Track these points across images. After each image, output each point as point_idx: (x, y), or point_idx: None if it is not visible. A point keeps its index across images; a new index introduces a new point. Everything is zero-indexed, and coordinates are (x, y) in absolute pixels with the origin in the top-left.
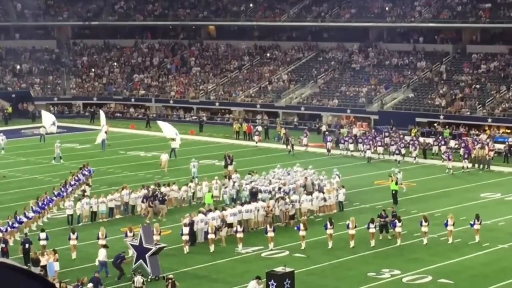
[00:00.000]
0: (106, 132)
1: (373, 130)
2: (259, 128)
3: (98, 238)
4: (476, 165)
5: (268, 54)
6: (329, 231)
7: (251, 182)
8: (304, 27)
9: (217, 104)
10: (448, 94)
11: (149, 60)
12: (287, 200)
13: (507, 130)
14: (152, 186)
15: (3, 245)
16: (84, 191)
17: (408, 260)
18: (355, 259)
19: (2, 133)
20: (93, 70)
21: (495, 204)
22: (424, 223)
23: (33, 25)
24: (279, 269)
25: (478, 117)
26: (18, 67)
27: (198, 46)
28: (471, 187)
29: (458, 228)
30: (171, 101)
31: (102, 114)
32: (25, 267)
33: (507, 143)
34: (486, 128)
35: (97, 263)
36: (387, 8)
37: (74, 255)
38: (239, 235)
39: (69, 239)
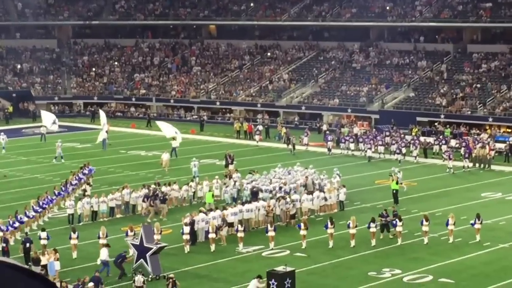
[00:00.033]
0: (107, 132)
1: (373, 130)
2: (260, 127)
3: (98, 238)
4: (477, 165)
5: (268, 54)
6: (329, 231)
7: (252, 181)
8: (305, 26)
9: (217, 103)
10: (448, 94)
11: (149, 59)
12: (288, 199)
13: (507, 130)
14: (152, 186)
15: (4, 245)
16: (85, 190)
17: (408, 260)
18: (355, 258)
19: (3, 133)
20: (93, 69)
21: (496, 204)
22: (425, 223)
23: (34, 25)
24: (280, 268)
25: (478, 116)
26: (19, 66)
27: (199, 45)
28: (472, 187)
29: (459, 227)
30: (171, 101)
31: (102, 114)
32: (25, 266)
33: (507, 142)
34: (487, 127)
35: (99, 262)
36: (387, 8)
37: (74, 255)
38: (240, 234)
39: (70, 238)
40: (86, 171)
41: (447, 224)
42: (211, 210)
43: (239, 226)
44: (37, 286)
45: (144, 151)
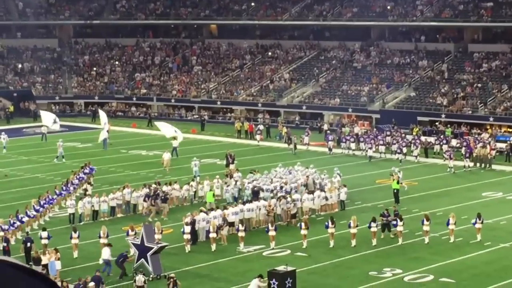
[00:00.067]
0: (107, 131)
1: (374, 129)
2: (261, 127)
3: (99, 237)
4: (478, 164)
5: (269, 53)
6: (330, 230)
7: (253, 181)
8: (305, 26)
9: (218, 103)
10: (449, 93)
11: (150, 59)
12: (289, 199)
13: (508, 129)
14: (153, 185)
15: (5, 244)
16: (85, 190)
17: (409, 259)
18: (356, 258)
19: (4, 132)
20: (94, 69)
21: (497, 203)
22: (425, 222)
23: (35, 24)
24: (281, 268)
25: (479, 116)
26: (20, 66)
27: (200, 45)
28: (473, 186)
29: (460, 227)
30: (172, 100)
31: (102, 113)
32: (26, 265)
33: (508, 142)
34: (488, 127)
35: (101, 262)
36: (388, 7)
37: (75, 254)
38: (241, 234)
39: (71, 238)
40: (87, 171)
41: (447, 224)
42: (212, 209)
43: (240, 225)
44: (38, 285)
45: (145, 150)
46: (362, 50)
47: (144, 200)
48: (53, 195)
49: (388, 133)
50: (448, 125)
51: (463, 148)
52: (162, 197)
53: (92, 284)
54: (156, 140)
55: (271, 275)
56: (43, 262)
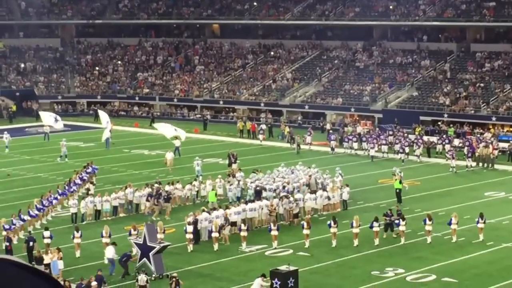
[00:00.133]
0: (110, 131)
1: (377, 129)
2: (263, 126)
3: (102, 237)
4: (480, 164)
5: (272, 53)
6: (333, 230)
7: (255, 180)
8: (308, 25)
9: (221, 102)
10: (452, 93)
11: (153, 58)
12: (291, 198)
13: (511, 129)
14: (156, 185)
15: (7, 243)
16: (88, 189)
17: (412, 259)
18: (359, 257)
19: (7, 132)
20: (97, 68)
21: (499, 203)
22: (428, 222)
23: (37, 24)
24: (283, 267)
25: (482, 115)
26: (22, 65)
27: (202, 44)
28: (475, 186)
29: (462, 226)
30: (175, 100)
31: (101, 114)
32: (29, 264)
33: (511, 141)
34: (490, 126)
35: (106, 261)
36: (391, 7)
37: (78, 254)
38: (243, 233)
39: (73, 237)
40: (89, 170)
41: (450, 224)
42: (214, 209)
43: (242, 225)
44: (42, 284)
45: (147, 150)
46: (365, 49)
47: (147, 200)
48: (55, 195)
49: (391, 132)
50: (451, 125)
51: (466, 148)
52: (165, 197)
53: (94, 283)
54: (158, 139)
55: (273, 275)
56: (45, 262)
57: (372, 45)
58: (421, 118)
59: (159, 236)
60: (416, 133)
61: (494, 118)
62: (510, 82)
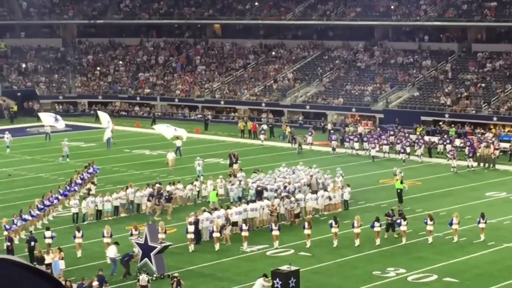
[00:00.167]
0: (111, 131)
1: (378, 129)
2: (265, 126)
3: (103, 236)
4: (481, 164)
5: (273, 53)
6: (334, 230)
7: (257, 180)
8: (309, 25)
9: (222, 102)
10: (453, 93)
11: (154, 58)
12: (292, 198)
13: None
14: (157, 185)
15: (9, 243)
16: (89, 189)
17: (413, 259)
18: (360, 257)
19: (8, 132)
20: (98, 68)
21: (500, 203)
22: (429, 222)
23: (39, 24)
24: (284, 267)
25: (483, 115)
26: (24, 65)
27: (204, 44)
28: (476, 186)
29: (463, 227)
30: (176, 100)
31: (101, 114)
32: (31, 264)
33: None
34: (492, 126)
35: (108, 261)
36: (392, 7)
37: (79, 254)
38: (244, 233)
39: (74, 237)
40: (90, 170)
41: (451, 224)
42: (215, 209)
43: (244, 225)
44: (43, 284)
45: (148, 150)
46: (366, 49)
47: (148, 200)
48: (56, 195)
49: (392, 133)
50: (452, 125)
51: (467, 148)
52: (166, 197)
53: (95, 283)
54: (159, 139)
55: (274, 275)
56: (46, 262)
57: (373, 45)
58: (422, 118)
59: (160, 236)
60: (417, 133)
61: (495, 118)
62: (511, 82)
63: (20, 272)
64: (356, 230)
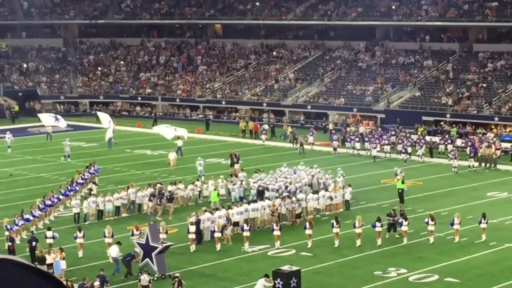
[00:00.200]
0: (113, 131)
1: (379, 129)
2: (266, 126)
3: (104, 237)
4: (483, 164)
5: (274, 53)
6: (335, 230)
7: (258, 180)
8: (310, 25)
9: (223, 102)
10: (454, 93)
11: (155, 58)
12: (294, 199)
13: None
14: (158, 185)
15: (10, 243)
16: (90, 189)
17: (414, 259)
18: (361, 258)
19: (9, 132)
20: (99, 68)
21: (502, 203)
22: (430, 222)
23: (40, 24)
24: (286, 267)
25: (484, 115)
26: (25, 65)
27: (205, 44)
28: (478, 186)
29: (465, 227)
30: (177, 100)
31: (101, 115)
32: (32, 264)
33: None
34: (493, 126)
35: (111, 261)
36: (393, 7)
37: (80, 254)
38: (246, 233)
39: (76, 237)
40: (92, 170)
41: (452, 224)
42: (217, 209)
43: (245, 225)
44: (45, 284)
45: (149, 150)
46: (367, 50)
47: (150, 200)
48: (58, 195)
49: (393, 133)
50: (453, 125)
51: (468, 148)
52: (168, 197)
53: (97, 283)
54: (160, 139)
55: (276, 275)
56: (48, 262)
57: (374, 45)
58: (424, 118)
59: (162, 236)
60: (419, 133)
61: (496, 118)
62: None
63: (22, 272)
64: (358, 230)
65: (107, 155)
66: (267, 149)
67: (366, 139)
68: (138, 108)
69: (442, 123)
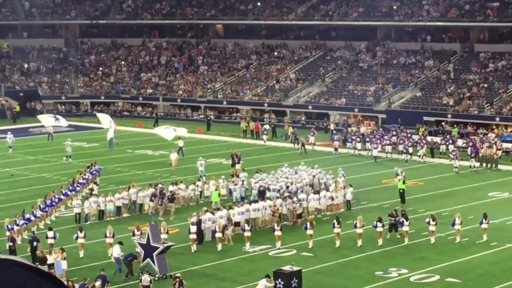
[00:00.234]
0: (114, 131)
1: (380, 129)
2: (267, 127)
3: (105, 237)
4: (484, 164)
5: (275, 53)
6: (336, 230)
7: (259, 180)
8: (311, 26)
9: (224, 103)
10: (455, 93)
11: (156, 59)
12: (295, 199)
13: None
14: (160, 185)
15: (11, 244)
16: (91, 189)
17: (415, 259)
18: (362, 258)
19: (10, 132)
20: (100, 69)
21: (503, 203)
22: (431, 222)
23: (41, 24)
24: (287, 268)
25: (486, 116)
26: (26, 65)
27: (206, 44)
28: (479, 186)
29: (466, 227)
30: (178, 100)
31: (101, 117)
32: (33, 264)
33: None
34: (494, 127)
35: (113, 260)
36: (395, 7)
37: (81, 254)
38: (247, 234)
39: (77, 237)
40: (93, 170)
41: (453, 224)
42: (218, 209)
43: (246, 225)
44: (46, 284)
45: (151, 150)
46: (368, 50)
47: (151, 200)
48: (59, 195)
49: (394, 133)
50: (454, 125)
51: (469, 148)
52: (169, 197)
53: (98, 283)
54: (161, 140)
55: (277, 275)
56: (49, 262)
57: (375, 46)
58: (425, 118)
59: (163, 236)
60: (420, 133)
61: (497, 119)
62: None
63: (23, 272)
64: (359, 231)
65: (108, 155)
66: (268, 149)
67: (367, 139)
68: (139, 108)
69: (443, 123)
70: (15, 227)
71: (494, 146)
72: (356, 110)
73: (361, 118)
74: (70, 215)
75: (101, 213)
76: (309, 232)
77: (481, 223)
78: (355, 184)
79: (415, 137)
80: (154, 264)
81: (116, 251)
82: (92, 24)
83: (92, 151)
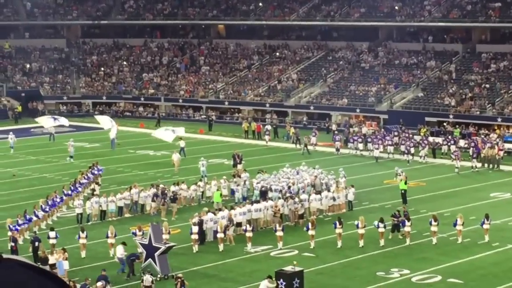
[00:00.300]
0: (116, 131)
1: (382, 130)
2: (269, 127)
3: (107, 237)
4: (486, 165)
5: (277, 53)
6: (338, 231)
7: (261, 181)
8: (313, 26)
9: (226, 103)
10: (457, 94)
11: (158, 59)
12: (296, 199)
13: None
14: (161, 185)
15: (13, 244)
16: (93, 190)
17: (417, 260)
18: (364, 258)
19: (12, 132)
20: (102, 69)
21: (505, 204)
22: (433, 223)
23: (43, 24)
24: (288, 268)
25: (487, 116)
26: (28, 66)
27: (208, 45)
28: (481, 187)
29: (468, 227)
30: (180, 100)
31: (101, 118)
32: (35, 264)
33: None
34: (496, 127)
35: (117, 260)
36: (396, 7)
37: (83, 254)
38: (248, 234)
39: (79, 238)
40: (95, 171)
41: (455, 225)
42: (219, 209)
43: (248, 225)
44: (49, 284)
45: (152, 150)
46: (370, 50)
47: (153, 200)
48: (61, 195)
49: (396, 133)
50: (456, 126)
51: (471, 149)
52: (171, 197)
53: (99, 284)
54: (163, 140)
55: (278, 276)
56: (50, 262)
57: (377, 46)
58: (427, 119)
59: (165, 236)
60: (422, 134)
61: (499, 119)
62: None
63: (26, 271)
64: (360, 231)
65: (110, 156)
66: (270, 149)
67: (369, 139)
68: (141, 109)
69: (445, 123)
70: (17, 227)
71: (496, 147)
72: (358, 110)
73: (362, 119)
74: (72, 216)
75: (102, 214)
76: (310, 232)
77: (483, 223)
78: (357, 184)
79: (417, 138)
80: (156, 265)
81: (119, 251)
82: (94, 24)
83: (94, 151)
